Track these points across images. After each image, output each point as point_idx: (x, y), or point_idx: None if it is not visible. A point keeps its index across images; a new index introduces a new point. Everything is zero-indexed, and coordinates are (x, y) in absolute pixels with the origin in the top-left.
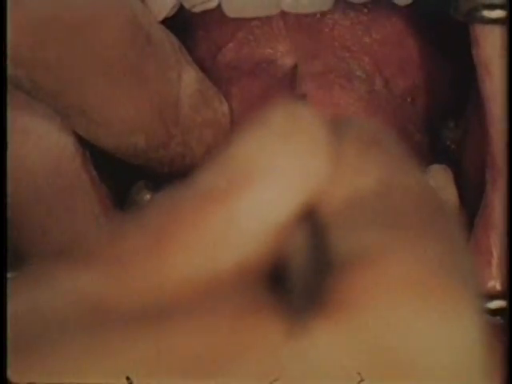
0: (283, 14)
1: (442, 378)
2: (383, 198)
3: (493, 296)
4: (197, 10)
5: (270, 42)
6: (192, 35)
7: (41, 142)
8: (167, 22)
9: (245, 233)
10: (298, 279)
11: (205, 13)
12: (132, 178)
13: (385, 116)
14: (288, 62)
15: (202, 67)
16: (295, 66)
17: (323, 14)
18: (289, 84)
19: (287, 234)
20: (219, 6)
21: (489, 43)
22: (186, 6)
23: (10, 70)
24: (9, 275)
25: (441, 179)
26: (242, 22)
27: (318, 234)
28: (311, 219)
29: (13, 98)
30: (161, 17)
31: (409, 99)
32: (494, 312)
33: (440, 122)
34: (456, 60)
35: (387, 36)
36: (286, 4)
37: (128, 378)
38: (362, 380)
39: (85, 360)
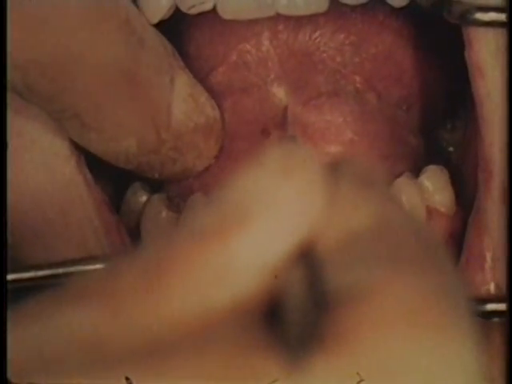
0: (272, 39)
1: None
2: (378, 235)
3: (487, 299)
4: (193, 11)
5: (259, 67)
6: (184, 48)
7: (34, 145)
8: (160, 27)
9: (241, 271)
10: (294, 316)
11: (199, 17)
12: (128, 180)
13: (377, 126)
14: (278, 87)
15: None
16: (285, 108)
17: (313, 37)
18: (280, 117)
19: (284, 272)
20: (214, 8)
21: (482, 45)
22: (183, 8)
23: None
24: (9, 277)
25: (437, 180)
26: (232, 44)
27: (315, 272)
28: (308, 257)
29: (8, 101)
30: (155, 19)
31: (404, 107)
32: (489, 314)
33: (437, 124)
34: (453, 61)
35: (379, 51)
36: (282, 6)
37: (128, 379)
38: (361, 380)
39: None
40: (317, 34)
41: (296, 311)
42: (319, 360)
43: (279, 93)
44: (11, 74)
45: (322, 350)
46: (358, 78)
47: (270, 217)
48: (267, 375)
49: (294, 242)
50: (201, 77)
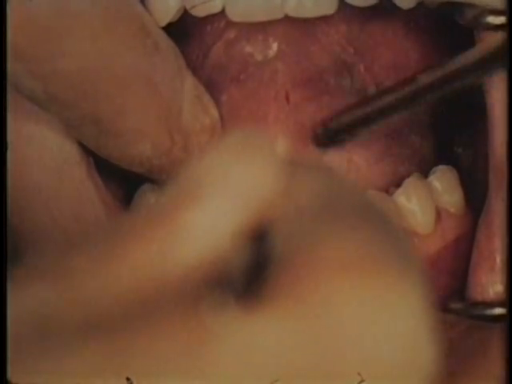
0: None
1: (383, 363)
2: (324, 203)
3: (495, 303)
4: (200, 12)
5: (258, 43)
6: (188, 50)
7: (44, 150)
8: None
9: (192, 244)
10: (242, 274)
11: (206, 20)
12: (136, 182)
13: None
14: (276, 65)
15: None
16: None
17: (319, 38)
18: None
19: (233, 243)
20: (223, 10)
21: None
22: (188, 7)
23: (26, 82)
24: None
25: (447, 180)
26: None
27: (263, 240)
28: (257, 229)
29: (18, 107)
30: (164, 22)
31: None
32: (497, 319)
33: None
34: None
35: (383, 41)
36: (290, 8)
37: (128, 379)
38: (362, 380)
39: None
40: (323, 34)
41: (244, 270)
42: (263, 313)
43: (277, 69)
44: (33, 84)
45: (267, 303)
46: (360, 65)
47: (221, 195)
48: (214, 331)
49: (244, 218)
50: (200, 55)
